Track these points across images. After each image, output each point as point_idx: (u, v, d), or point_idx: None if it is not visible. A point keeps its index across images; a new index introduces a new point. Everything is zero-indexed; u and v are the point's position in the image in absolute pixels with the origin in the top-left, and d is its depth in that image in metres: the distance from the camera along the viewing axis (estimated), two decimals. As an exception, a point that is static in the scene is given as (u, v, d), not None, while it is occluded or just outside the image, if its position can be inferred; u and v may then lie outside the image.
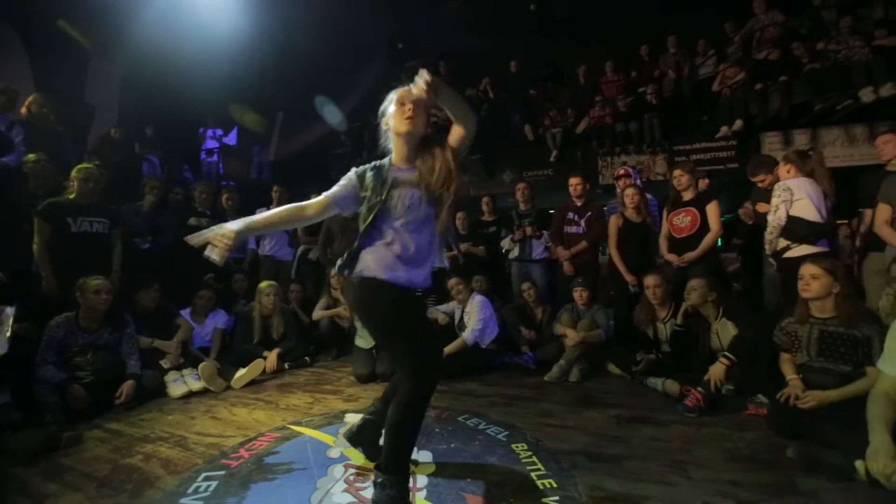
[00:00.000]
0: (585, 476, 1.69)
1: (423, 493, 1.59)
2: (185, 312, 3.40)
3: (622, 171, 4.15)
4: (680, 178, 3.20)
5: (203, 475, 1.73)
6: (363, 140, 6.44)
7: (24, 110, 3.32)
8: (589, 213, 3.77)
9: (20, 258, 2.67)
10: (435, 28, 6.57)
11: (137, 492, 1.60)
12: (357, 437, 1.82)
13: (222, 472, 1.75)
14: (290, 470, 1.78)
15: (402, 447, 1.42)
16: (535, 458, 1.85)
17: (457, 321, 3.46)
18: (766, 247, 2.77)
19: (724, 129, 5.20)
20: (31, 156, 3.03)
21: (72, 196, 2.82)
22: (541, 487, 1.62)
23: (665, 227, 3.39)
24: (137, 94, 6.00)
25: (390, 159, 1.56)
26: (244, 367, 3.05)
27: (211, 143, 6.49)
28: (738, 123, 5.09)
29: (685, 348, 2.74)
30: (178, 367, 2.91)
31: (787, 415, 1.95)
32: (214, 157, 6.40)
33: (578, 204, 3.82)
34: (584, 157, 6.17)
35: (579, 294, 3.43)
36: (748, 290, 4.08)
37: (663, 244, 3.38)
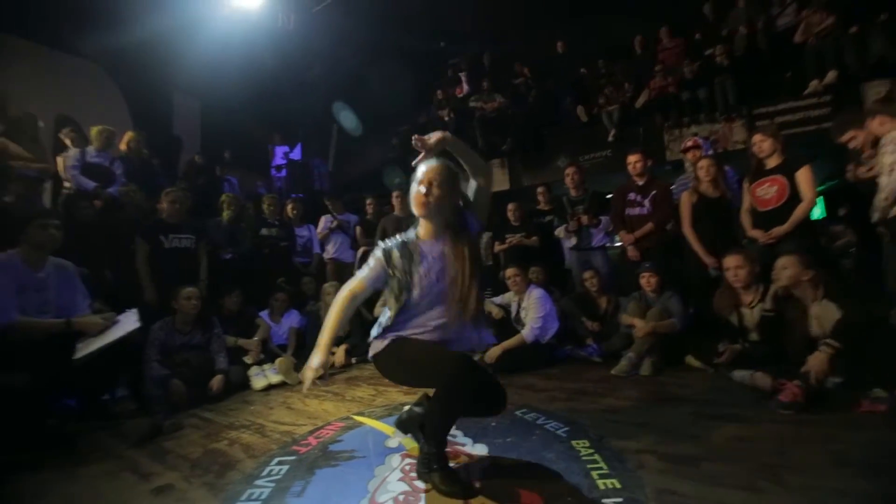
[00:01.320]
0: (654, 477, 1.54)
1: (477, 485, 1.57)
2: (264, 314, 3.73)
3: (690, 143, 3.75)
4: (760, 143, 2.81)
5: (276, 460, 1.87)
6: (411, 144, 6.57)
7: (122, 146, 3.88)
8: (654, 192, 3.46)
9: (128, 273, 3.12)
10: (475, 20, 6.48)
11: (222, 472, 1.78)
12: (405, 426, 1.90)
13: (293, 458, 1.89)
14: (351, 457, 1.87)
15: (437, 427, 1.56)
16: (597, 457, 1.74)
17: (513, 314, 3.38)
18: (876, 214, 2.32)
19: (813, 84, 4.46)
20: (125, 187, 3.54)
21: (163, 217, 3.24)
22: (601, 487, 1.51)
23: (747, 200, 2.99)
24: (215, 123, 6.75)
25: (417, 233, 1.64)
26: (314, 362, 3.27)
27: (279, 160, 7.07)
28: (831, 75, 4.34)
29: (777, 336, 2.39)
30: (260, 363, 3.21)
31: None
32: (283, 172, 6.96)
33: (640, 183, 3.52)
34: (647, 132, 5.68)
35: (647, 280, 3.17)
36: (861, 268, 3.47)
37: (746, 219, 2.99)
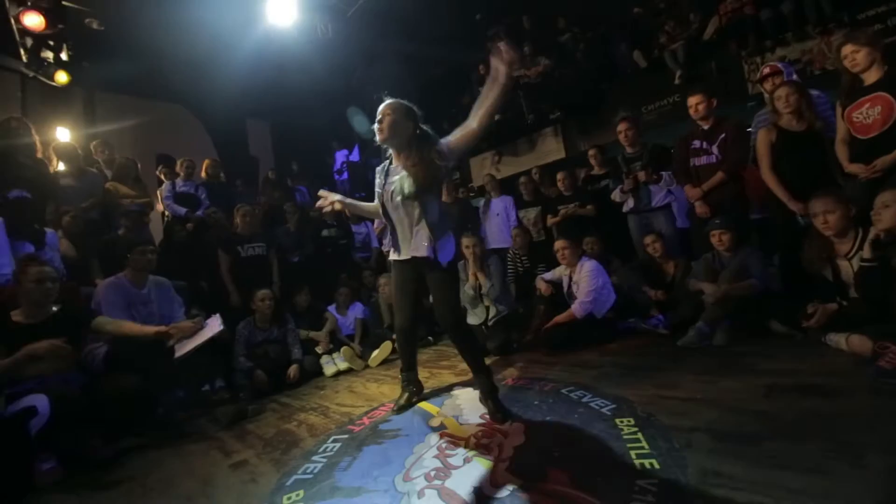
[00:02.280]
0: (701, 458, 1.39)
1: (506, 464, 1.57)
2: (331, 307, 4.08)
3: (767, 70, 3.18)
4: (853, 55, 2.25)
5: (332, 438, 2.08)
6: (458, 124, 6.51)
7: (203, 174, 4.48)
8: (722, 136, 3.00)
9: (217, 282, 3.64)
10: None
11: (288, 450, 2.03)
12: None
13: (346, 436, 2.07)
14: (396, 436, 1.99)
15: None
16: (640, 435, 1.62)
17: (565, 289, 3.23)
18: None
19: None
20: (208, 209, 4.11)
21: (238, 230, 3.70)
22: (638, 467, 1.41)
23: (842, 128, 2.45)
24: (284, 139, 7.42)
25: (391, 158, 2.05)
26: (378, 349, 3.52)
27: (340, 163, 7.54)
28: None
29: (880, 291, 1.96)
30: (329, 352, 3.53)
31: None
32: (344, 175, 7.43)
33: (705, 127, 3.07)
34: (722, 66, 4.89)
35: (718, 238, 2.81)
36: None
37: (842, 151, 2.46)
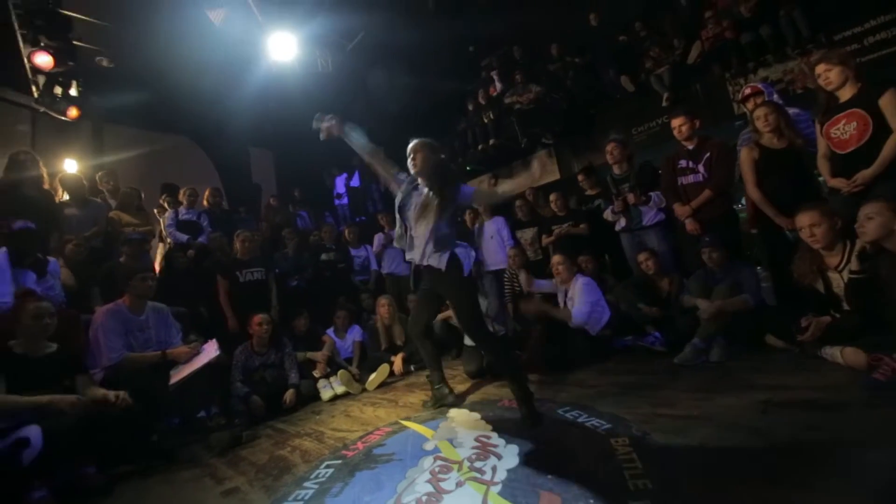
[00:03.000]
0: (697, 477, 1.36)
1: (499, 487, 1.53)
2: (330, 331, 4.06)
3: (749, 91, 3.27)
4: (827, 73, 2.32)
5: (325, 463, 2.03)
6: (454, 148, 6.69)
7: (205, 203, 4.56)
8: (707, 155, 3.06)
9: (217, 308, 3.64)
10: (497, 19, 6.37)
11: (279, 476, 1.99)
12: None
13: (339, 461, 2.03)
14: (389, 460, 1.95)
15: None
16: (634, 455, 1.58)
17: (561, 305, 3.22)
18: None
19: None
20: (213, 234, 4.16)
21: (237, 255, 3.73)
22: (632, 489, 1.38)
23: (822, 144, 2.50)
24: (287, 167, 7.58)
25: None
26: (375, 372, 3.48)
27: (340, 188, 7.67)
28: None
29: (870, 302, 1.95)
30: (327, 376, 3.49)
31: None
32: (345, 200, 7.53)
33: (690, 147, 3.13)
34: (707, 89, 5.03)
35: (709, 255, 2.82)
36: None
37: (824, 166, 2.50)
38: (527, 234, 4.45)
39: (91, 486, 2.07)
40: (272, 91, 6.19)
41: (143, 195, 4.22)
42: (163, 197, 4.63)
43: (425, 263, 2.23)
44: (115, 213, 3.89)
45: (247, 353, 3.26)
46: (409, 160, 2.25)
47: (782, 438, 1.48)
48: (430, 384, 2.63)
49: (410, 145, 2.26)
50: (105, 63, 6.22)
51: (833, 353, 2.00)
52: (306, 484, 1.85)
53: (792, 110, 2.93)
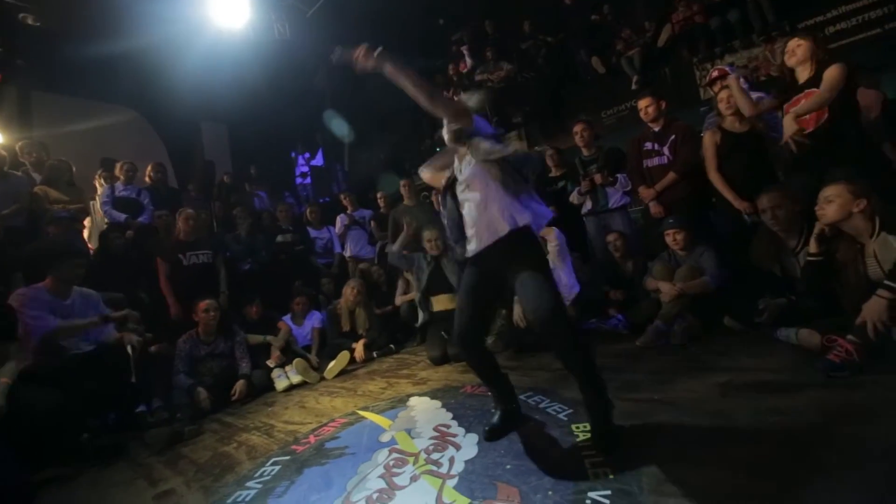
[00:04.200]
0: (657, 464, 1.31)
1: (455, 481, 1.45)
2: (287, 318, 3.84)
3: (716, 73, 3.26)
4: (795, 48, 2.30)
5: (272, 460, 1.88)
6: (423, 128, 6.46)
7: (146, 179, 4.16)
8: (672, 137, 3.03)
9: (158, 294, 3.34)
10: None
11: (221, 476, 1.82)
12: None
13: (287, 458, 1.89)
14: (341, 454, 1.82)
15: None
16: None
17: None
18: None
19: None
20: (159, 212, 3.80)
21: (179, 236, 3.42)
22: (591, 478, 1.32)
23: (786, 124, 2.48)
24: (242, 142, 7.08)
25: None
26: (334, 360, 3.31)
27: (302, 167, 7.27)
28: None
29: (826, 284, 1.97)
30: (282, 365, 3.29)
31: None
32: (308, 180, 7.16)
33: (656, 129, 3.09)
34: (676, 72, 5.04)
35: (673, 238, 2.80)
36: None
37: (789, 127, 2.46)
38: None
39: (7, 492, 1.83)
40: (225, 59, 5.69)
41: (74, 169, 3.78)
42: (99, 172, 4.18)
43: (485, 243, 1.60)
44: (40, 189, 3.46)
45: (192, 341, 3.01)
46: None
47: (742, 423, 1.46)
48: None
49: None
50: (30, 21, 5.52)
51: (789, 334, 2.03)
52: (249, 484, 1.71)
53: (755, 94, 2.93)
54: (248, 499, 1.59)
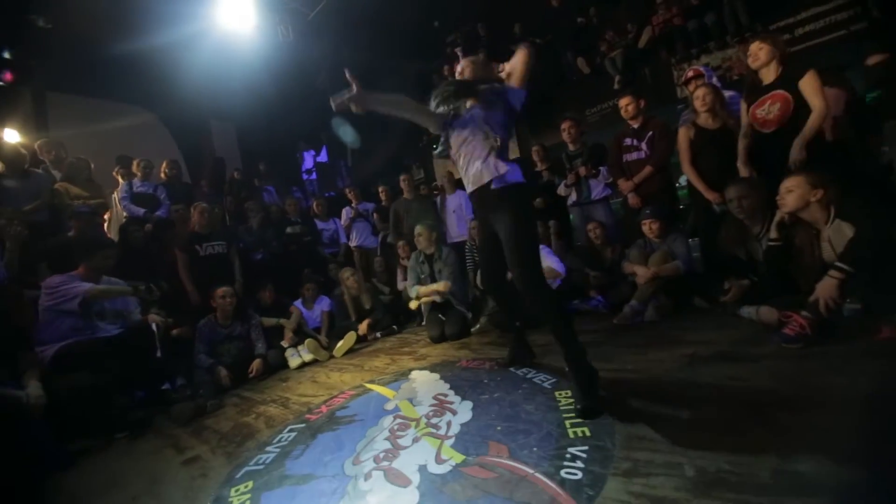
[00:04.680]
0: (628, 424, 1.40)
1: (452, 440, 1.53)
2: (298, 302, 3.90)
3: (691, 73, 3.27)
4: (757, 52, 2.34)
5: (288, 428, 1.96)
6: (420, 127, 6.43)
7: (162, 175, 4.16)
8: (650, 133, 3.08)
9: (177, 282, 3.38)
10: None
11: (243, 442, 1.90)
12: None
13: (302, 425, 1.96)
14: (351, 421, 1.90)
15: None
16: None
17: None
18: None
19: (841, -21, 3.64)
20: (176, 206, 3.82)
21: (195, 229, 3.45)
22: (571, 436, 1.41)
23: (744, 123, 2.54)
24: (250, 140, 7.03)
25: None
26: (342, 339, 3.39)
27: (308, 164, 7.25)
28: None
29: (784, 267, 2.05)
30: (294, 345, 3.37)
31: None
32: (313, 176, 7.14)
33: (635, 126, 3.14)
34: (655, 72, 5.05)
35: (649, 226, 2.87)
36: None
37: (742, 145, 2.53)
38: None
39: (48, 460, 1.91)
40: (232, 61, 5.62)
41: (92, 166, 3.77)
42: (116, 169, 4.17)
43: (481, 183, 1.72)
44: (61, 185, 3.45)
45: (211, 325, 3.07)
46: (457, 75, 1.86)
47: (706, 388, 1.55)
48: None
49: (462, 61, 1.88)
50: (40, 23, 5.41)
51: (750, 311, 2.11)
52: (268, 448, 1.78)
53: (728, 93, 2.97)
54: (268, 461, 1.67)
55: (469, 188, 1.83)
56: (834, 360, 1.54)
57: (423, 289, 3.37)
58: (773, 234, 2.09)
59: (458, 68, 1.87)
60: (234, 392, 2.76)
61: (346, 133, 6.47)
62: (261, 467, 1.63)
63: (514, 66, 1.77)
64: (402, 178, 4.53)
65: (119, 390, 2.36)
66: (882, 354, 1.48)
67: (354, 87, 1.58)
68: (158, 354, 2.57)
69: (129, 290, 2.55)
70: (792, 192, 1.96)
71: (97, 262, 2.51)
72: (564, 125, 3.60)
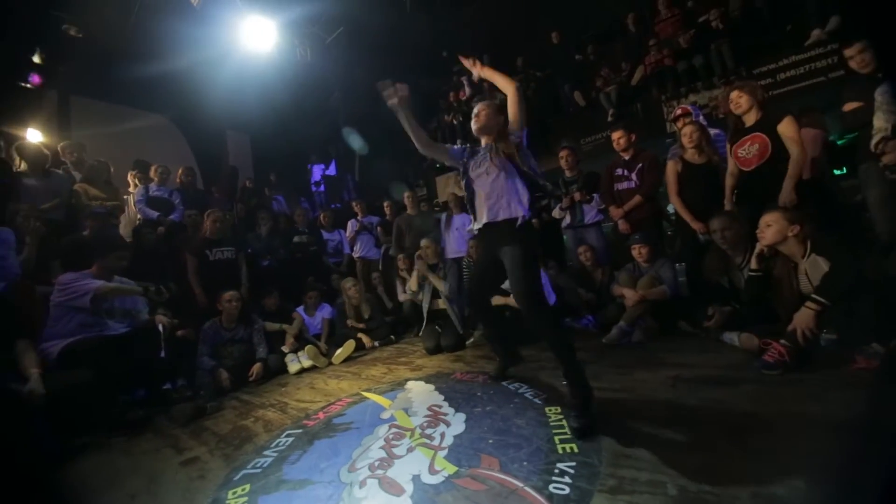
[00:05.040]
0: (615, 442, 1.40)
1: (445, 452, 1.52)
2: (300, 309, 3.88)
3: (679, 111, 3.37)
4: (737, 99, 2.43)
5: (286, 433, 1.94)
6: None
7: (177, 180, 4.18)
8: (640, 165, 3.16)
9: (186, 285, 3.37)
10: (471, 25, 6.25)
11: (241, 445, 1.87)
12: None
13: (300, 431, 1.94)
14: (347, 429, 1.89)
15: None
16: (564, 422, 1.62)
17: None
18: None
19: (815, 34, 3.81)
20: (189, 211, 3.83)
21: (206, 234, 3.45)
22: (559, 452, 1.41)
23: (730, 163, 2.62)
24: (263, 151, 7.11)
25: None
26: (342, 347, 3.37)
27: (317, 177, 7.32)
28: (834, 21, 3.66)
29: (763, 296, 2.09)
30: (295, 351, 3.34)
31: (906, 366, 1.33)
32: (322, 188, 7.20)
33: (626, 157, 3.22)
34: (646, 108, 5.20)
35: (638, 251, 2.91)
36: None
37: (728, 184, 2.62)
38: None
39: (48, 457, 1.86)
40: (251, 75, 5.73)
41: (112, 169, 3.79)
42: (133, 173, 4.19)
43: (492, 220, 1.81)
44: (80, 186, 3.47)
45: (215, 327, 3.05)
46: (472, 118, 1.97)
47: (688, 410, 1.56)
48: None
49: (476, 105, 1.98)
50: (73, 32, 5.52)
51: (732, 337, 2.14)
52: (266, 452, 1.76)
53: (713, 131, 3.07)
54: (265, 465, 1.65)
55: (484, 219, 1.85)
56: (811, 387, 1.56)
57: (431, 276, 3.43)
58: (753, 264, 2.13)
59: (475, 110, 1.96)
60: (233, 395, 2.72)
61: (355, 141, 6.58)
62: (258, 471, 1.60)
63: (512, 112, 1.91)
64: (406, 194, 4.59)
65: (122, 389, 2.33)
66: (856, 384, 1.50)
67: (404, 89, 1.80)
68: (162, 354, 2.54)
69: (139, 289, 2.54)
70: (771, 227, 2.01)
71: (111, 262, 2.51)
72: (562, 153, 3.69)
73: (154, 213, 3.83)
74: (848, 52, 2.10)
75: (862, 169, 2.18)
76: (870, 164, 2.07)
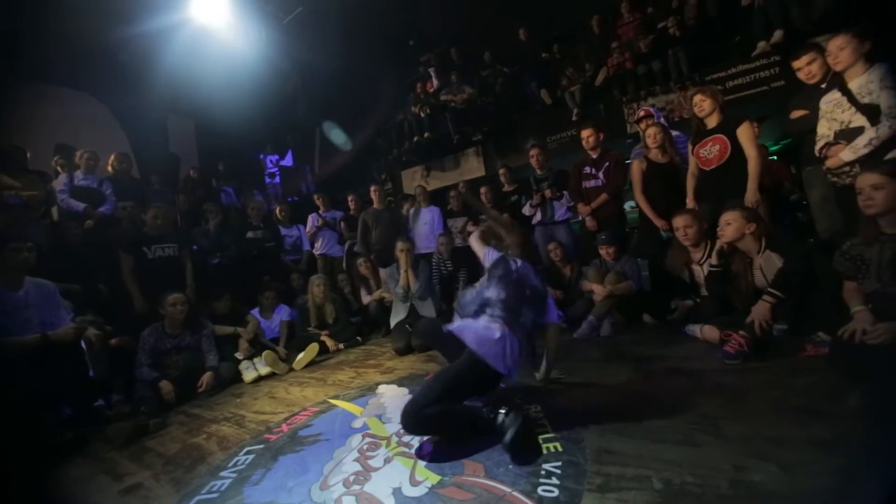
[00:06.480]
0: (595, 438, 1.42)
1: (426, 460, 1.46)
2: (255, 311, 3.62)
3: (642, 113, 3.53)
4: (701, 103, 2.59)
5: (245, 450, 1.77)
6: (391, 138, 6.40)
7: (109, 168, 3.72)
8: (606, 164, 3.27)
9: (120, 286, 3.01)
10: (440, 15, 6.17)
11: (192, 467, 1.69)
12: None
13: (261, 446, 1.79)
14: (316, 441, 1.76)
15: None
16: (545, 420, 1.62)
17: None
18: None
19: (761, 45, 4.18)
20: (123, 203, 3.42)
21: (145, 230, 3.10)
22: (544, 451, 1.40)
23: (692, 162, 2.79)
24: (210, 139, 6.55)
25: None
26: (303, 351, 3.17)
27: (271, 168, 6.88)
28: (778, 35, 4.03)
29: (723, 290, 2.24)
30: (250, 357, 3.10)
31: (851, 354, 1.47)
32: (276, 180, 6.78)
33: (594, 156, 3.33)
34: (608, 109, 5.42)
35: (606, 251, 3.02)
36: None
37: (690, 183, 2.79)
38: (458, 223, 4.43)
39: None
40: (199, 56, 5.22)
41: (28, 154, 3.28)
42: (55, 159, 3.67)
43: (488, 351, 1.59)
44: (-17, 173, 2.97)
45: (157, 334, 2.74)
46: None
47: (660, 401, 1.61)
48: None
49: (472, 238, 2.03)
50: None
51: (694, 329, 2.26)
52: (223, 473, 1.59)
53: (674, 132, 3.24)
54: (223, 488, 1.49)
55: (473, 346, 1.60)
56: (769, 375, 1.68)
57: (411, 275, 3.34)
58: (713, 260, 2.27)
59: (470, 238, 2.04)
60: (180, 409, 2.46)
61: (338, 136, 6.29)
62: (215, 495, 1.45)
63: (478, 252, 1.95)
64: (372, 188, 4.44)
65: (41, 407, 2.01)
66: (808, 372, 1.64)
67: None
68: (89, 371, 2.23)
69: (36, 339, 2.07)
70: (731, 225, 2.15)
71: (9, 259, 2.11)
72: (533, 152, 3.75)
73: (80, 206, 3.37)
74: (796, 64, 2.29)
75: (806, 171, 2.40)
76: (814, 167, 2.27)
